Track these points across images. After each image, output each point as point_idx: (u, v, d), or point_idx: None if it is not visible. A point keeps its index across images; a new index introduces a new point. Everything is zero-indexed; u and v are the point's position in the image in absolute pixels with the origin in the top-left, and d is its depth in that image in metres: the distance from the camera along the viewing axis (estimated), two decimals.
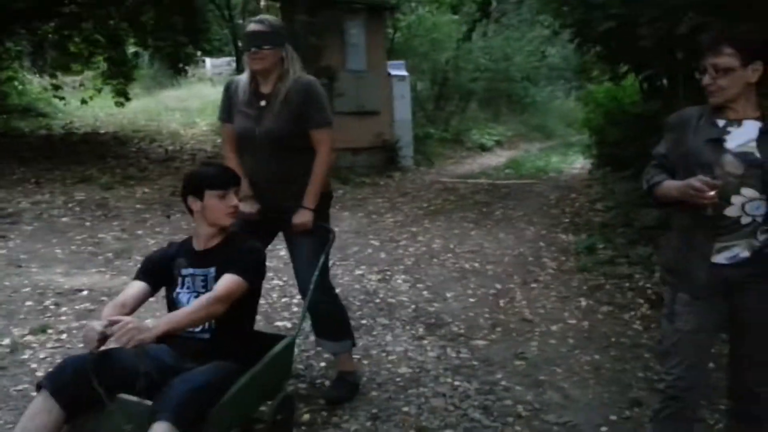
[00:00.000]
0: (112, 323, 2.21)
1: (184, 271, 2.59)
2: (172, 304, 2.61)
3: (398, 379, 3.56)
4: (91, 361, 2.22)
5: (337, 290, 4.98)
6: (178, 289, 2.59)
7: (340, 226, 7.19)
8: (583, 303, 4.88)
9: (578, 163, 13.87)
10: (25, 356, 3.58)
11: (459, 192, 9.66)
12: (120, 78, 12.11)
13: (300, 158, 3.01)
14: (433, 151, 13.58)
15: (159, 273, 2.62)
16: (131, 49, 13.52)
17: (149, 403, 2.19)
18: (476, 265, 5.86)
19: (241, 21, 13.76)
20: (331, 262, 5.68)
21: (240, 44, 9.84)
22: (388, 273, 5.52)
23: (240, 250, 2.60)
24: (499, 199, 9.14)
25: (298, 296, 4.80)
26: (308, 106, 2.99)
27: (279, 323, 4.34)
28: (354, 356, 3.81)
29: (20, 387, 3.25)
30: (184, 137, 12.44)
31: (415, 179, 10.77)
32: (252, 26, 2.99)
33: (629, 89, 10.16)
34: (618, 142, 9.34)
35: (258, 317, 4.32)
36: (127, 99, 12.16)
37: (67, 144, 10.73)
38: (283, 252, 5.99)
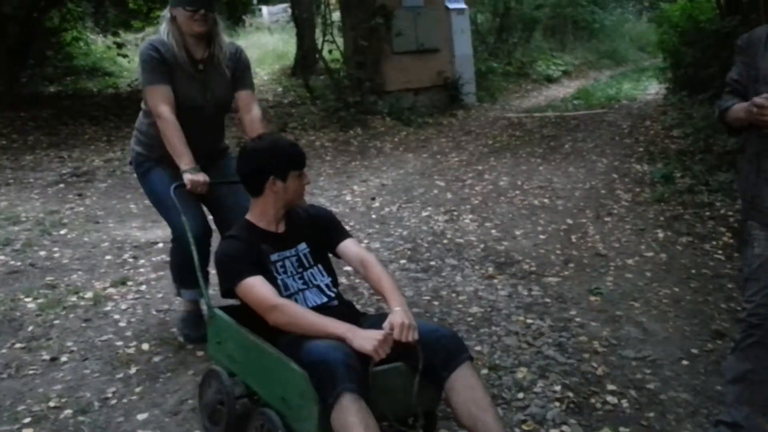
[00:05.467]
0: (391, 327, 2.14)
1: (274, 257, 2.41)
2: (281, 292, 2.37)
3: (469, 319, 3.52)
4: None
5: (404, 232, 5.02)
6: (278, 276, 2.39)
7: (404, 168, 7.13)
8: (661, 235, 4.69)
9: (652, 89, 13.24)
10: (108, 308, 3.72)
11: (525, 127, 9.38)
12: None
13: (224, 117, 3.15)
14: (497, 86, 13.19)
15: (256, 263, 2.37)
16: None
17: (399, 364, 2.17)
18: (546, 201, 5.70)
19: None
20: (396, 205, 5.71)
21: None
22: (455, 213, 5.44)
23: (317, 218, 2.57)
24: (567, 132, 8.83)
25: (366, 240, 4.83)
26: (242, 71, 3.02)
27: (347, 268, 4.32)
28: (424, 297, 3.82)
29: (104, 337, 3.38)
30: None
31: (479, 116, 10.51)
32: None
33: (706, 6, 9.54)
34: (695, 64, 8.85)
35: None
36: None
37: (133, 101, 10.93)
38: (350, 197, 6.02)
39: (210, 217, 3.12)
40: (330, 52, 10.79)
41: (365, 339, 2.10)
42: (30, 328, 3.45)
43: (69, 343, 3.30)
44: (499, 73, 14.15)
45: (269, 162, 2.40)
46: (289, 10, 14.00)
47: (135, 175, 3.22)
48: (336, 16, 11.94)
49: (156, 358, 3.14)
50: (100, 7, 12.64)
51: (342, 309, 2.42)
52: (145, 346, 3.24)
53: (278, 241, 2.45)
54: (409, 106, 10.09)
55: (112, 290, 3.96)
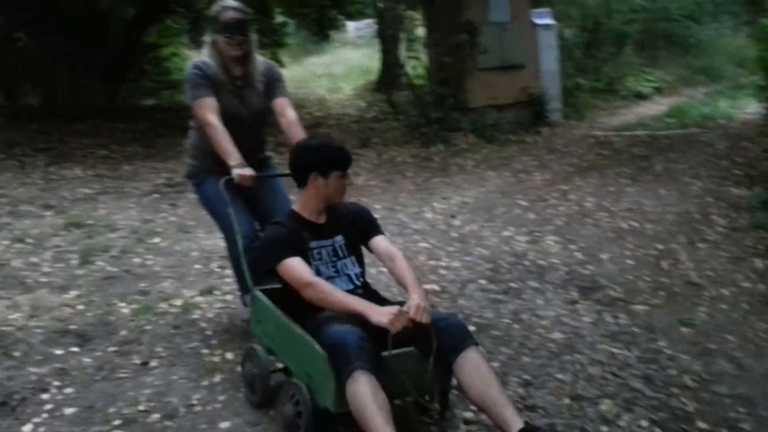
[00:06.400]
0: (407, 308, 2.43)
1: (313, 244, 2.73)
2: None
3: (551, 345, 3.44)
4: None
5: (485, 252, 4.96)
6: (313, 262, 2.70)
7: (486, 186, 7.07)
8: (759, 264, 4.45)
9: (751, 108, 12.58)
10: (196, 316, 3.85)
11: (613, 146, 9.12)
12: (270, 47, 12.59)
13: (264, 126, 3.48)
14: (584, 102, 12.88)
15: (296, 247, 2.68)
16: (279, 19, 13.98)
17: (411, 348, 2.45)
18: (634, 224, 5.51)
19: None
20: (477, 223, 5.67)
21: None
22: (538, 234, 5.34)
23: (356, 214, 2.87)
24: (659, 152, 8.51)
25: (446, 259, 4.81)
26: (275, 83, 3.38)
27: (427, 286, 4.32)
28: (503, 320, 3.76)
29: (191, 345, 3.49)
30: (330, 102, 12.75)
31: (565, 134, 10.29)
32: (232, 14, 3.19)
33: None
34: None
35: None
36: (281, 65, 12.63)
37: None
38: (430, 214, 6.01)
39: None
40: (414, 68, 10.85)
41: (382, 314, 2.39)
42: (123, 333, 3.61)
43: (158, 349, 3.43)
44: (586, 89, 13.82)
45: (314, 158, 2.73)
46: (375, 25, 14.21)
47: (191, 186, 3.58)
48: (421, 31, 12.02)
49: (239, 368, 3.22)
50: (196, 24, 13.21)
51: (366, 296, 2.65)
52: (229, 356, 3.33)
53: (318, 230, 2.76)
54: (493, 123, 9.99)
55: (199, 299, 4.10)
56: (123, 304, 3.97)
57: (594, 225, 5.55)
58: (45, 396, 2.96)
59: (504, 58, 10.42)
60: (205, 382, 3.10)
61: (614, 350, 3.36)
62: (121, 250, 4.93)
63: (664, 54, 18.96)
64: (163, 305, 3.99)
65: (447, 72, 9.80)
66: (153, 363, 3.29)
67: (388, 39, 12.58)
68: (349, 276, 2.75)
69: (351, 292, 2.65)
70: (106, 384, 3.09)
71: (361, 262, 2.83)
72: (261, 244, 2.80)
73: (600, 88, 14.39)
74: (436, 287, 4.30)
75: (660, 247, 4.93)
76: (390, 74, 12.42)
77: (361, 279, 2.78)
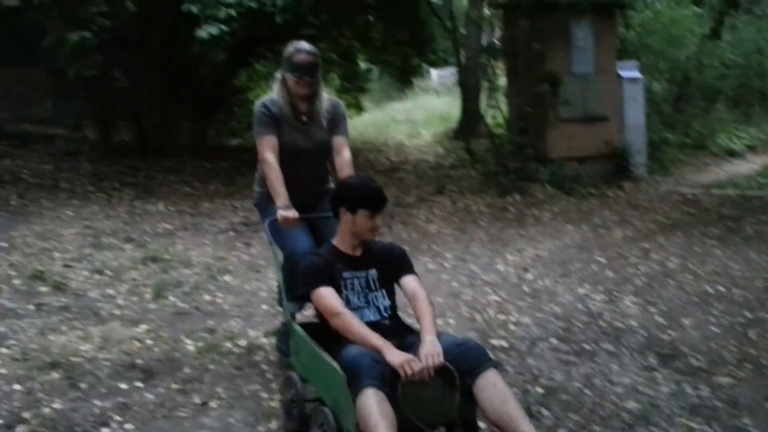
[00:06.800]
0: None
1: (346, 275, 2.93)
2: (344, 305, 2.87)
3: (624, 415, 3.23)
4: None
5: (558, 309, 4.77)
6: (345, 292, 2.90)
7: (562, 240, 6.86)
8: None
9: None
10: (258, 357, 3.85)
11: (701, 204, 8.70)
12: (353, 92, 12.86)
13: (326, 160, 3.63)
14: (671, 158, 12.42)
15: (329, 277, 2.89)
16: (363, 66, 14.29)
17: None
18: (721, 288, 5.19)
19: (464, 31, 13.85)
20: (551, 279, 5.48)
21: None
22: (615, 293, 5.10)
23: (391, 252, 3.09)
24: (750, 213, 8.05)
25: (516, 314, 4.65)
26: (338, 120, 3.56)
27: (495, 341, 4.19)
28: (574, 384, 3.57)
29: (252, 387, 3.49)
30: (409, 148, 12.84)
31: (649, 189, 9.92)
32: (305, 56, 3.38)
33: None
34: None
35: (473, 334, 4.27)
36: (361, 110, 12.88)
37: None
38: (502, 266, 5.86)
39: None
40: (493, 116, 10.81)
41: (396, 355, 2.55)
42: (187, 370, 3.64)
43: (219, 389, 3.44)
44: (674, 144, 13.36)
45: (346, 195, 2.97)
46: (457, 74, 14.30)
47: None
48: (502, 81, 12.00)
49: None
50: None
51: (393, 327, 2.89)
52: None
53: (353, 262, 2.97)
54: (573, 175, 9.76)
55: (264, 340, 4.11)
56: (189, 341, 4.02)
57: (677, 287, 5.26)
58: (105, 430, 3.00)
59: (587, 109, 10.24)
60: (262, 429, 3.08)
61: (693, 425, 3.12)
62: (193, 286, 5.03)
63: (758, 111, 18.16)
64: (228, 344, 4.02)
65: (527, 122, 9.70)
66: (212, 404, 3.30)
67: (469, 87, 12.61)
68: (378, 308, 2.94)
69: (378, 322, 2.85)
70: (165, 422, 3.11)
71: (392, 296, 3.01)
72: (299, 272, 2.99)
73: (689, 144, 13.88)
74: (503, 343, 4.16)
75: (748, 315, 4.61)
76: (470, 122, 12.42)
77: (389, 311, 2.96)
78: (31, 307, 4.44)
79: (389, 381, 2.48)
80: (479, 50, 13.76)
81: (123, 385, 3.42)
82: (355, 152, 12.55)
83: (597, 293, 5.10)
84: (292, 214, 3.34)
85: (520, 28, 9.52)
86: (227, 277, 5.33)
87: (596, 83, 10.37)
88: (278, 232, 3.42)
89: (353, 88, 12.94)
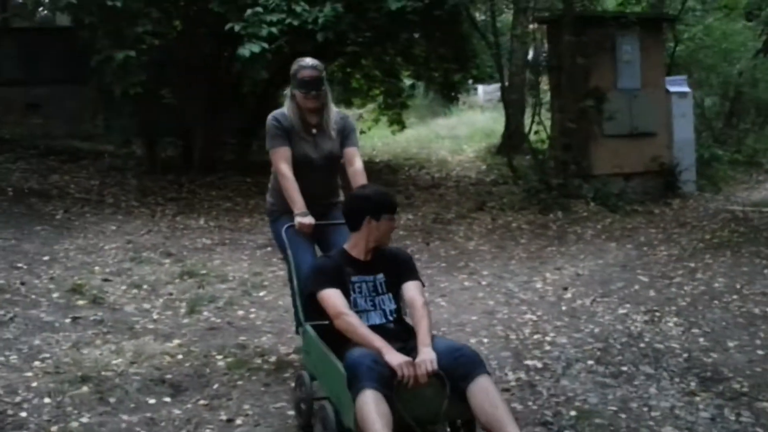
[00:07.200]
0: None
1: (354, 279, 3.04)
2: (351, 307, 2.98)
3: None
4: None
5: (596, 330, 4.63)
6: (353, 295, 3.01)
7: (604, 258, 6.68)
8: None
9: None
10: (287, 374, 3.84)
11: (751, 223, 8.37)
12: (396, 108, 12.88)
13: (336, 172, 3.74)
14: (722, 175, 12.03)
15: (338, 279, 2.99)
16: (407, 82, 14.31)
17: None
18: None
19: (509, 46, 13.74)
20: (590, 298, 5.33)
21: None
22: (657, 314, 4.92)
23: (398, 257, 3.19)
24: None
25: (552, 334, 4.53)
26: (348, 132, 3.70)
27: (529, 362, 4.08)
28: (610, 408, 3.45)
29: (278, 405, 3.47)
30: (451, 164, 12.76)
31: (698, 207, 9.61)
32: (309, 72, 3.51)
33: None
34: None
35: (506, 353, 4.18)
36: (403, 126, 12.88)
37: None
38: (540, 284, 5.74)
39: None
40: (536, 132, 10.67)
41: (394, 356, 2.67)
42: (215, 386, 3.65)
43: (246, 406, 3.44)
44: (725, 161, 12.94)
45: (368, 205, 3.08)
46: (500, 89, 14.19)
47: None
48: (547, 97, 11.84)
49: None
50: None
51: (396, 329, 3.00)
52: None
53: (362, 266, 3.09)
54: (618, 192, 9.53)
55: (294, 357, 4.09)
56: (220, 357, 4.04)
57: (722, 308, 5.05)
58: None
59: (633, 125, 10.01)
60: None
61: None
62: (227, 302, 5.06)
63: None
64: (258, 360, 4.02)
65: (571, 138, 9.53)
66: (238, 421, 3.30)
67: (513, 103, 12.49)
68: (384, 311, 3.04)
69: (383, 325, 2.98)
70: None
71: (397, 300, 3.11)
72: (308, 272, 3.16)
73: (740, 161, 13.43)
74: (538, 363, 4.06)
75: None
76: (513, 138, 12.28)
77: (395, 315, 3.07)
78: (68, 320, 4.53)
79: (388, 382, 2.60)
80: (523, 66, 13.65)
81: (151, 400, 3.44)
82: (397, 168, 12.62)
83: (638, 313, 4.94)
84: (309, 220, 3.48)
85: (565, 42, 9.39)
86: (262, 293, 5.35)
87: (643, 98, 10.14)
88: (284, 246, 3.53)
89: (396, 104, 12.95)
